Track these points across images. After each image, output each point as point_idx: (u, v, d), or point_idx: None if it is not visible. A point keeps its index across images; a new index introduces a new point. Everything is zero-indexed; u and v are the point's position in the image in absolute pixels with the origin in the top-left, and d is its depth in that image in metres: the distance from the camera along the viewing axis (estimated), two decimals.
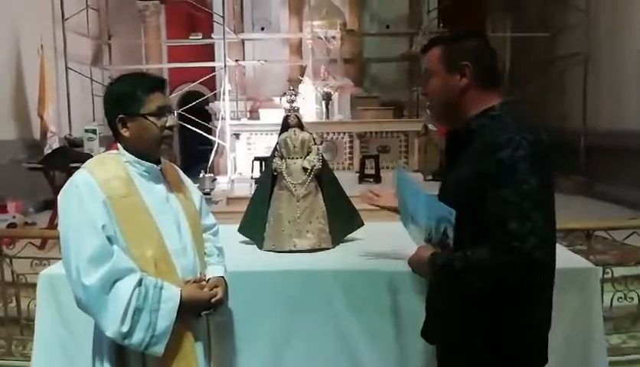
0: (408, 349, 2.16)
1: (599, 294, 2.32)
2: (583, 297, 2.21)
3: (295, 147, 2.57)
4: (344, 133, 9.33)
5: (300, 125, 2.63)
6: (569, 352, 2.21)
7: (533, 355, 1.47)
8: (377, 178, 8.22)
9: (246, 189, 7.40)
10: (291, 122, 2.62)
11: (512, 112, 1.44)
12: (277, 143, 2.62)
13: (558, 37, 9.74)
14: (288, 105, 2.64)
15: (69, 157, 5.42)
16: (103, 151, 1.75)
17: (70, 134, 8.09)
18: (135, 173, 1.62)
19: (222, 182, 8.60)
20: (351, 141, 9.32)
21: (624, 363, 3.09)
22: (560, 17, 9.68)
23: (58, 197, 1.58)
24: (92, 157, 1.82)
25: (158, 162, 1.67)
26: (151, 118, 1.58)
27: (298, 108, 2.66)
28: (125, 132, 1.60)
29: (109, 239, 1.50)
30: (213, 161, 9.44)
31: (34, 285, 2.32)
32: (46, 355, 2.17)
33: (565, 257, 2.41)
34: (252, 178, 7.85)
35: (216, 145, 9.46)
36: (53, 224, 5.19)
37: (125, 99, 1.58)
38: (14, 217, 6.05)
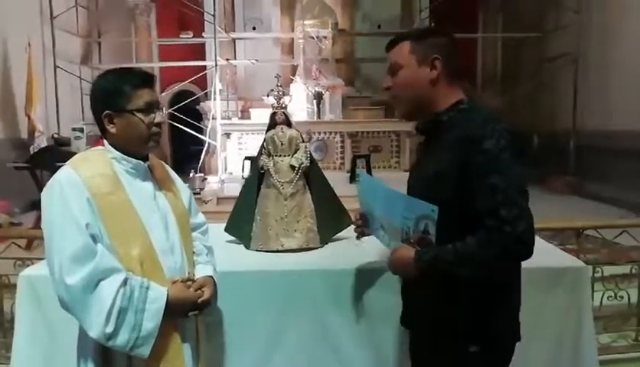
0: (396, 349, 2.14)
1: (589, 293, 2.32)
2: (573, 296, 2.20)
3: (282, 144, 2.52)
4: (336, 133, 9.29)
5: (288, 123, 2.59)
6: (560, 351, 2.20)
7: (508, 335, 1.52)
8: None
9: (237, 189, 7.23)
10: (278, 119, 2.57)
11: (480, 106, 1.52)
12: (264, 140, 2.57)
13: (549, 38, 9.79)
14: (275, 102, 2.60)
15: (55, 157, 5.33)
16: (87, 149, 1.70)
17: (57, 134, 8.02)
18: (122, 170, 1.58)
19: (212, 181, 8.54)
20: (342, 141, 9.29)
21: (614, 362, 3.09)
22: (552, 17, 9.74)
23: (41, 195, 1.54)
24: None
25: (145, 159, 1.63)
26: (139, 115, 1.54)
27: (285, 106, 2.61)
28: (111, 128, 1.56)
29: (93, 238, 1.46)
30: (204, 161, 9.38)
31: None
32: (26, 357, 2.11)
33: (555, 256, 2.41)
34: (242, 178, 7.81)
35: (207, 145, 9.41)
36: (38, 224, 5.11)
37: (111, 95, 1.54)
38: None
